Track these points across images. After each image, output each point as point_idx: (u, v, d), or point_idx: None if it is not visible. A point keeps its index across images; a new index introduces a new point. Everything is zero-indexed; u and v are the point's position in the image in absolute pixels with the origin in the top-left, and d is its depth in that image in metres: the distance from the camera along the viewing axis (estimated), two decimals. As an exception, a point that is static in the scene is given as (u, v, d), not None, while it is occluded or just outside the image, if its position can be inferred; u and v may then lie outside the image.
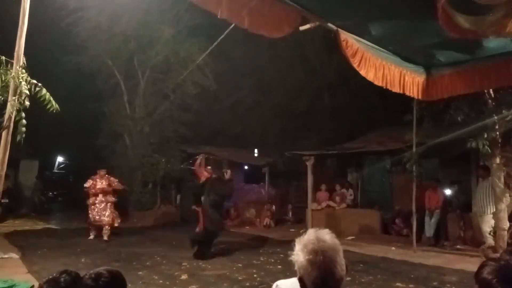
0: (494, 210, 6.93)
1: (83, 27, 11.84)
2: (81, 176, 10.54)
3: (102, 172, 9.46)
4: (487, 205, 7.10)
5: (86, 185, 9.20)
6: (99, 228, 9.00)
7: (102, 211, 8.98)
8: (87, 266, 6.07)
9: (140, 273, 5.84)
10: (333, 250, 1.30)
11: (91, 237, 8.99)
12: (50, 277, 1.86)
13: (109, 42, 12.26)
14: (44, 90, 3.22)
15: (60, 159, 25.84)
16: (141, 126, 12.97)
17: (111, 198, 9.21)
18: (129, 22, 11.91)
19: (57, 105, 3.35)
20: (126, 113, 13.17)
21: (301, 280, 1.32)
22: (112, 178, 9.51)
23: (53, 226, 11.53)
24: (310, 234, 1.34)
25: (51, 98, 3.28)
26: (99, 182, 9.22)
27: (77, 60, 12.55)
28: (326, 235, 1.34)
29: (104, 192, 9.16)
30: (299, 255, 1.31)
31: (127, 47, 12.50)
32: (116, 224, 9.23)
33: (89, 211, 9.07)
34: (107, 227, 8.87)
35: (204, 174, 7.72)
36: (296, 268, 1.33)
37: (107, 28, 11.90)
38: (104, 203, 9.06)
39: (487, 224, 7.13)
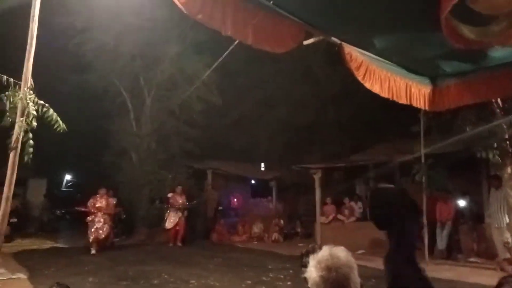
0: (508, 221, 6.78)
1: (90, 47, 12.04)
2: (89, 194, 10.61)
3: (102, 191, 9.99)
4: (502, 216, 6.95)
5: (89, 204, 9.76)
6: (99, 243, 9.53)
7: (99, 230, 9.53)
8: (95, 286, 6.01)
9: (148, 292, 5.76)
10: (347, 267, 1.27)
11: (93, 251, 9.37)
12: None
13: (116, 61, 12.43)
14: (51, 111, 3.25)
15: (68, 177, 25.99)
16: (147, 143, 13.03)
17: (109, 219, 9.84)
18: (135, 41, 12.10)
19: (64, 125, 3.38)
20: (132, 130, 13.26)
21: None
22: (110, 199, 10.11)
23: (61, 245, 11.51)
24: (325, 251, 1.32)
25: (58, 118, 3.31)
26: (98, 202, 9.76)
27: (84, 79, 12.74)
28: (341, 252, 1.31)
29: (103, 212, 9.72)
30: (312, 271, 1.29)
31: (133, 65, 12.67)
32: (111, 240, 10.11)
33: (89, 230, 9.56)
34: (95, 244, 9.44)
35: None
36: (309, 285, 1.31)
37: (113, 47, 12.09)
38: (102, 222, 9.62)
39: (501, 236, 6.97)
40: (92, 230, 9.49)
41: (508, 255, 6.84)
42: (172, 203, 11.37)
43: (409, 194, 4.78)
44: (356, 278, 1.27)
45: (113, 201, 10.22)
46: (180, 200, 11.43)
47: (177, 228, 11.23)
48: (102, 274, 6.98)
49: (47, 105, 3.22)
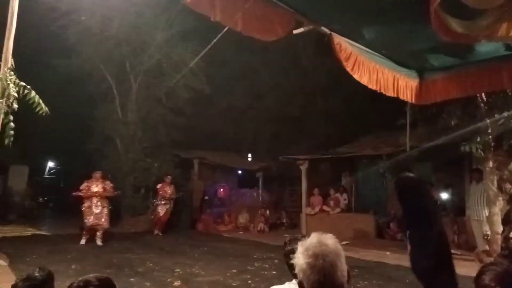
0: (488, 214, 6.96)
1: (74, 30, 11.71)
2: (72, 181, 10.41)
3: (98, 174, 9.25)
4: (481, 209, 7.13)
5: (81, 187, 9.04)
6: (93, 233, 8.90)
7: (99, 214, 8.84)
8: (78, 273, 5.94)
9: (132, 279, 5.74)
10: (335, 254, 1.27)
11: (83, 242, 8.78)
12: (25, 274, 1.87)
13: (101, 46, 12.14)
14: (33, 93, 3.14)
15: (50, 164, 25.50)
16: (133, 131, 12.84)
17: (106, 203, 9.10)
18: (121, 25, 11.82)
19: (46, 108, 3.28)
20: (118, 117, 13.04)
21: (300, 284, 1.29)
22: (107, 182, 9.36)
23: (44, 232, 11.33)
24: (313, 238, 1.31)
25: (41, 101, 3.21)
26: (94, 185, 9.05)
27: (68, 63, 12.39)
28: (329, 239, 1.31)
29: (100, 196, 9.00)
30: (299, 258, 1.29)
31: (119, 50, 12.39)
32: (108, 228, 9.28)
33: (85, 215, 8.85)
34: (101, 231, 8.85)
35: None
36: (296, 271, 1.30)
37: (99, 31, 11.79)
38: (101, 207, 8.93)
39: (481, 228, 7.16)
40: (91, 217, 8.79)
41: (487, 247, 7.04)
42: (161, 194, 11.19)
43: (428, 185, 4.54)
44: (343, 266, 1.27)
45: (110, 184, 9.41)
46: (169, 190, 11.27)
47: (163, 217, 11.16)
48: (86, 261, 6.92)
49: (28, 86, 3.11)
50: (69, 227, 11.45)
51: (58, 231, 11.23)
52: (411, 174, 4.43)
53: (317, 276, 1.24)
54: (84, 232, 8.92)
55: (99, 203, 8.93)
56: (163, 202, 11.13)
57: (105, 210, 8.98)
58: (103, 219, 8.89)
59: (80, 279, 1.62)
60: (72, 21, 11.57)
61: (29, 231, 11.25)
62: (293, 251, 1.79)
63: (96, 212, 8.84)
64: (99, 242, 8.70)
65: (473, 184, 7.57)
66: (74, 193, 9.11)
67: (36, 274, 2.01)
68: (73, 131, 15.36)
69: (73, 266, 6.46)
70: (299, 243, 1.32)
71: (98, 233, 8.82)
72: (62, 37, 11.80)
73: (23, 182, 15.47)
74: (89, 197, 8.93)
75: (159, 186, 11.33)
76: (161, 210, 11.10)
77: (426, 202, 3.91)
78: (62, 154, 20.64)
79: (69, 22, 11.55)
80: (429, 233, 3.85)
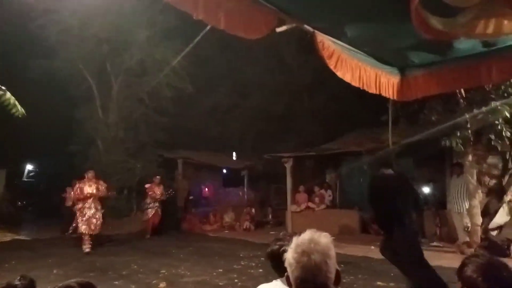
0: (468, 206, 7.13)
1: (54, 29, 11.41)
2: (53, 184, 10.15)
3: (90, 174, 8.45)
4: (462, 201, 7.31)
5: (73, 189, 8.47)
6: (92, 236, 8.27)
7: (91, 218, 8.20)
8: (59, 278, 5.79)
9: (116, 282, 5.64)
10: (322, 254, 1.26)
11: (87, 249, 8.01)
12: (5, 283, 1.80)
13: (81, 46, 11.88)
14: (8, 94, 3.03)
15: (29, 167, 24.80)
16: (115, 131, 12.63)
17: (100, 205, 8.47)
18: (102, 24, 11.59)
19: (22, 110, 3.17)
20: (99, 118, 12.80)
21: (287, 278, 1.31)
22: (101, 182, 8.62)
23: (23, 237, 11.01)
24: (306, 234, 1.31)
25: (16, 102, 3.10)
26: (87, 186, 8.28)
27: (47, 64, 12.08)
28: (322, 238, 1.30)
29: (94, 197, 8.28)
30: (289, 252, 1.30)
31: (99, 50, 12.16)
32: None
33: (80, 219, 8.22)
34: (89, 238, 8.17)
35: None
36: (285, 264, 1.31)
37: (79, 31, 11.54)
38: (94, 209, 8.25)
39: (462, 221, 7.33)
40: (84, 219, 8.10)
41: (467, 239, 7.22)
42: (151, 194, 10.86)
43: (409, 180, 4.51)
44: (329, 267, 1.26)
45: (104, 184, 8.70)
46: (159, 191, 10.94)
47: (153, 219, 10.84)
48: (68, 266, 6.77)
49: (3, 87, 3.00)
50: (49, 231, 11.18)
51: (38, 236, 10.94)
52: (389, 171, 4.41)
53: (300, 272, 1.24)
54: (83, 238, 8.16)
55: (92, 205, 8.26)
56: (151, 204, 10.80)
57: (98, 214, 8.33)
58: (98, 224, 8.28)
59: (60, 285, 1.57)
60: (51, 21, 11.27)
61: (8, 236, 10.92)
62: (276, 252, 1.79)
63: (89, 215, 8.17)
64: (87, 249, 8.12)
65: (454, 178, 7.76)
66: (63, 195, 8.60)
67: (16, 283, 1.94)
68: (53, 133, 14.99)
69: (54, 271, 6.30)
70: (294, 238, 1.32)
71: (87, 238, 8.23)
72: (41, 37, 11.49)
73: (1, 186, 14.99)
74: (83, 199, 8.24)
75: (147, 186, 10.96)
76: (150, 212, 10.80)
77: (396, 204, 3.88)
78: (41, 156, 20.12)
79: (48, 21, 11.25)
80: (403, 236, 3.91)
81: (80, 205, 8.30)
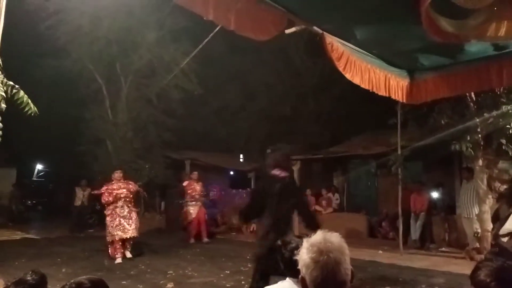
0: (478, 212, 7.04)
1: (64, 30, 11.54)
2: (62, 183, 10.21)
3: (117, 174, 7.67)
4: (472, 207, 7.22)
5: (104, 194, 7.52)
6: (126, 242, 7.51)
7: (127, 221, 7.38)
8: (68, 277, 5.82)
9: (124, 282, 5.67)
10: (339, 252, 1.26)
11: (119, 260, 7.13)
12: (18, 278, 1.83)
13: (91, 46, 11.98)
14: (21, 92, 3.08)
15: (39, 166, 25.10)
16: (123, 132, 12.70)
17: (134, 206, 7.76)
18: (112, 25, 11.69)
19: (35, 108, 3.22)
20: (108, 118, 12.89)
21: (302, 280, 1.29)
22: (131, 182, 7.94)
23: (33, 236, 11.13)
24: (318, 235, 1.32)
25: (29, 101, 3.15)
26: (116, 188, 7.50)
27: (57, 64, 12.22)
28: (334, 237, 1.31)
29: (126, 199, 7.49)
30: (303, 253, 1.29)
31: (109, 51, 12.25)
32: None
33: (110, 225, 7.36)
34: (130, 241, 7.48)
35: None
36: (299, 266, 1.30)
37: (89, 31, 11.64)
38: (128, 210, 7.46)
39: (471, 226, 7.24)
40: (115, 225, 7.29)
41: (477, 245, 7.12)
42: (190, 193, 9.90)
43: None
44: (347, 264, 1.27)
45: (133, 184, 7.96)
46: (198, 187, 10.02)
47: (199, 221, 9.85)
48: (77, 265, 6.82)
49: (17, 86, 3.05)
50: (58, 230, 11.29)
51: (47, 235, 11.05)
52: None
53: (320, 271, 1.23)
54: (115, 246, 7.32)
55: (125, 206, 7.46)
56: (193, 202, 9.88)
57: (134, 215, 7.58)
58: (132, 226, 7.43)
59: (72, 281, 1.58)
60: (61, 21, 11.41)
61: (17, 235, 11.05)
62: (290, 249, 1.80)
63: (120, 218, 7.35)
64: (128, 255, 7.40)
65: (464, 183, 7.66)
66: (95, 192, 7.91)
67: (28, 278, 1.97)
68: (63, 133, 15.14)
69: (63, 270, 6.35)
70: (304, 239, 1.32)
71: (127, 244, 7.48)
72: (51, 37, 11.63)
73: (11, 185, 15.21)
74: (113, 201, 7.42)
75: (185, 183, 10.11)
76: (193, 211, 9.83)
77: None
78: (51, 156, 20.32)
79: (58, 22, 11.39)
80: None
81: (110, 211, 7.45)
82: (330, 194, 11.20)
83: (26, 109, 3.18)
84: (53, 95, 12.74)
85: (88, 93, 13.00)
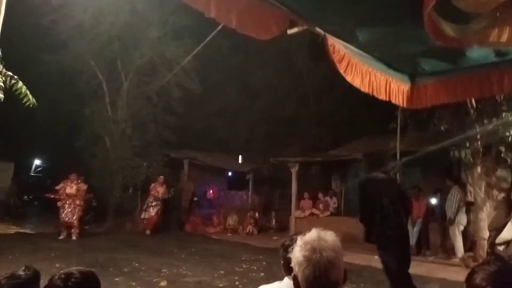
0: (462, 219, 7.05)
1: (66, 25, 11.52)
2: (60, 179, 10.27)
3: (73, 176, 9.98)
4: (455, 214, 7.23)
5: (57, 187, 9.85)
6: (69, 229, 9.64)
7: (70, 213, 9.63)
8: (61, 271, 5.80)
9: (117, 279, 5.63)
10: (333, 251, 1.23)
11: (62, 236, 9.52)
12: (10, 272, 1.77)
13: (92, 42, 11.97)
14: (20, 83, 3.04)
15: (37, 161, 25.06)
16: (122, 129, 12.66)
17: (79, 202, 9.82)
18: (114, 22, 11.68)
19: (34, 100, 3.18)
20: (107, 115, 12.86)
21: (295, 278, 1.26)
22: (81, 184, 10.04)
23: (28, 231, 11.07)
24: (313, 233, 1.29)
25: (28, 92, 3.11)
26: (69, 187, 9.80)
27: (58, 59, 12.18)
28: (329, 236, 1.28)
29: (72, 197, 9.75)
30: (296, 251, 1.26)
31: (111, 47, 12.23)
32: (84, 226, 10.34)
33: (60, 212, 9.65)
34: (75, 228, 9.60)
35: None
36: (292, 264, 1.27)
37: (91, 27, 11.63)
38: (73, 206, 9.68)
39: (457, 233, 7.24)
40: (64, 214, 9.59)
41: (462, 252, 7.10)
42: (153, 194, 11.37)
43: (398, 183, 4.62)
44: (340, 264, 1.24)
45: (83, 187, 10.10)
46: (161, 191, 11.46)
47: (154, 217, 11.31)
48: (70, 260, 6.76)
49: (16, 77, 3.01)
50: (53, 225, 11.23)
51: (42, 230, 11.01)
52: (377, 174, 4.63)
53: (312, 270, 1.20)
54: (61, 228, 9.71)
55: (71, 203, 9.69)
56: (154, 203, 11.31)
57: (77, 210, 9.70)
58: (74, 217, 9.63)
59: (61, 271, 1.55)
60: (63, 16, 11.39)
61: (12, 229, 10.99)
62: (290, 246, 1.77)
63: (67, 211, 9.61)
64: (74, 237, 9.47)
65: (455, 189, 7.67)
66: (47, 195, 10.27)
67: (21, 273, 1.93)
68: (61, 128, 15.12)
69: (57, 265, 6.31)
70: (299, 237, 1.30)
71: (72, 230, 9.59)
72: (53, 32, 11.61)
73: (8, 179, 15.15)
74: (64, 197, 9.69)
75: (151, 186, 11.46)
76: (153, 211, 11.28)
77: (377, 198, 4.14)
78: (49, 151, 20.31)
79: (60, 17, 11.37)
80: (383, 228, 4.16)
81: (61, 203, 9.66)
82: (327, 198, 11.18)
83: (25, 100, 3.14)
84: (53, 89, 12.70)
85: (88, 89, 12.97)
